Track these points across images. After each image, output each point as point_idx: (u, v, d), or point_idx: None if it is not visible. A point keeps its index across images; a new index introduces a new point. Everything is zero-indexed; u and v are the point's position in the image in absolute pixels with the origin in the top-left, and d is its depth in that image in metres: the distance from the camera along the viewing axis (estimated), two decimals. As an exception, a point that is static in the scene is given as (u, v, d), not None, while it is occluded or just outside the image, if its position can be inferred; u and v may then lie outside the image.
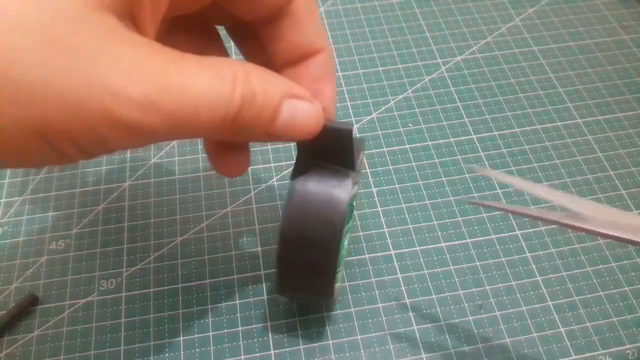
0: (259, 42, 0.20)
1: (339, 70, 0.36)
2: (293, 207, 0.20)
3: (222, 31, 0.23)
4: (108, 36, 0.13)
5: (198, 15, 0.19)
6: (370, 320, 0.26)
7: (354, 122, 0.18)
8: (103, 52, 0.12)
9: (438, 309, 0.26)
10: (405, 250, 0.28)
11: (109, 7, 0.13)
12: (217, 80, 0.14)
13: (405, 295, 0.27)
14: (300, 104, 0.17)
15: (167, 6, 0.16)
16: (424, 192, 0.30)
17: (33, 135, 0.12)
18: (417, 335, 0.25)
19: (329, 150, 0.20)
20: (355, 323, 0.26)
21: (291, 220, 0.20)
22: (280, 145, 0.32)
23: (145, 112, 0.13)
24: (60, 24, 0.12)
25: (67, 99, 0.12)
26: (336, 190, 0.20)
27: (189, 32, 0.20)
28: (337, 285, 0.24)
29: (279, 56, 0.19)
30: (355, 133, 0.18)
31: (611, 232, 0.18)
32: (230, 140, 0.18)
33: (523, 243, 0.28)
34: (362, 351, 0.25)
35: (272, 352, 0.25)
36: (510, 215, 0.29)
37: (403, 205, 0.30)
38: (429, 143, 0.33)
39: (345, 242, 0.26)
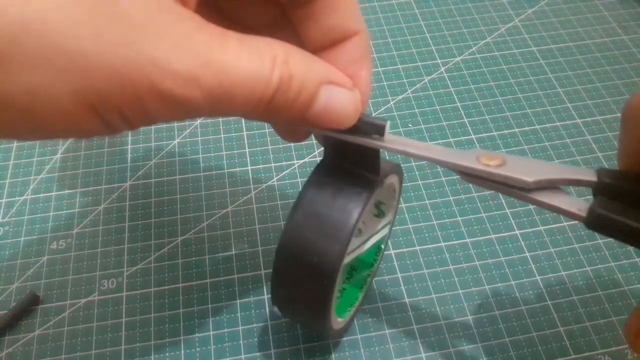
0: (289, 30, 0.19)
1: (338, 70, 0.36)
2: (295, 219, 0.19)
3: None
4: (156, 9, 0.13)
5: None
6: (369, 320, 0.26)
7: (387, 121, 0.17)
8: (152, 25, 0.13)
9: (437, 309, 0.26)
10: (404, 249, 0.28)
11: None
12: (256, 61, 0.14)
13: (405, 294, 0.27)
14: (338, 92, 0.16)
15: None
16: (424, 192, 0.30)
17: (83, 105, 0.13)
18: (417, 335, 0.25)
19: (356, 151, 0.19)
20: (355, 322, 0.26)
21: (290, 233, 0.19)
22: (281, 145, 0.32)
23: (188, 86, 0.13)
24: None
25: (117, 71, 0.12)
26: (349, 205, 0.19)
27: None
28: (341, 318, 0.23)
29: (312, 41, 0.18)
30: (387, 131, 0.17)
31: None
32: (264, 121, 0.17)
33: (522, 243, 0.28)
34: (361, 350, 0.25)
35: (272, 351, 0.25)
36: (510, 216, 0.29)
37: (403, 205, 0.30)
38: (429, 143, 0.33)
39: (367, 275, 0.26)
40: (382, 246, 0.26)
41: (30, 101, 0.12)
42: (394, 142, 0.18)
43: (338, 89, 0.16)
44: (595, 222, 0.15)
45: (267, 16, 0.19)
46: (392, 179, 0.23)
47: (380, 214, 0.26)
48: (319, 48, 0.18)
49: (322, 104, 0.16)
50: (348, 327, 0.25)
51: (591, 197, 0.17)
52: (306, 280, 0.19)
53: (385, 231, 0.26)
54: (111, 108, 0.13)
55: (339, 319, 0.23)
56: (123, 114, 0.13)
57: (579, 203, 0.16)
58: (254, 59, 0.14)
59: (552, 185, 0.16)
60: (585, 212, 0.16)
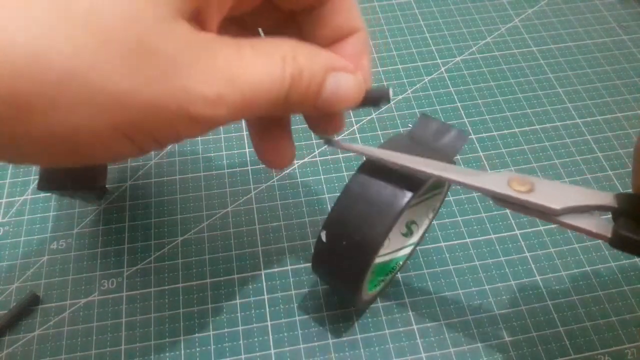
0: (294, 28, 0.20)
1: (338, 70, 0.36)
2: (347, 197, 0.21)
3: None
4: (184, 41, 0.14)
5: (238, 19, 0.20)
6: (370, 320, 0.26)
7: (389, 88, 0.19)
8: (181, 57, 0.14)
9: (437, 309, 0.26)
10: (404, 250, 0.28)
11: (180, 10, 0.14)
12: (270, 65, 0.15)
13: (405, 294, 0.27)
14: (343, 76, 0.17)
15: (230, 6, 0.17)
16: (424, 192, 0.30)
17: (120, 136, 0.14)
18: (417, 335, 0.25)
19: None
20: (355, 322, 0.26)
21: (345, 202, 0.21)
22: (281, 146, 0.32)
23: (216, 106, 0.14)
24: (144, 32, 0.13)
25: (152, 104, 0.13)
26: (399, 194, 0.20)
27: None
28: (373, 291, 0.25)
29: (317, 40, 0.19)
30: (392, 95, 0.19)
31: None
32: (279, 115, 0.19)
33: (522, 243, 0.28)
34: (361, 350, 0.25)
35: (272, 351, 0.25)
36: (510, 216, 0.29)
37: (403, 205, 0.30)
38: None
39: (402, 254, 0.27)
40: (401, 262, 0.27)
41: (73, 136, 0.13)
42: (430, 166, 0.20)
43: (343, 75, 0.17)
44: (618, 242, 0.17)
45: (275, 20, 0.20)
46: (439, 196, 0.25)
47: (408, 234, 0.27)
48: (323, 45, 0.19)
49: (330, 90, 0.17)
50: (372, 302, 0.26)
51: (609, 215, 0.19)
52: (348, 254, 0.21)
53: (407, 251, 0.26)
54: (145, 135, 0.14)
55: (370, 292, 0.25)
56: (155, 138, 0.14)
57: (602, 225, 0.18)
58: (267, 63, 0.15)
59: (577, 210, 0.18)
60: (610, 233, 0.17)
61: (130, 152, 0.15)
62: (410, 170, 0.20)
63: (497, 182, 0.19)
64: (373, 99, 0.19)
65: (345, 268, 0.21)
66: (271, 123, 0.20)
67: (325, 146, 0.30)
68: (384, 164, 0.20)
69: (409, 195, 0.20)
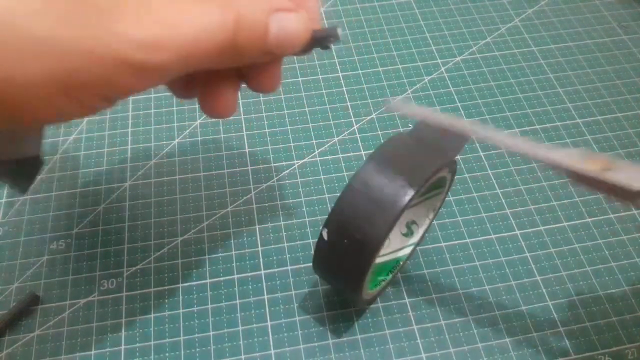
0: None
1: (339, 70, 0.36)
2: (349, 194, 0.21)
3: None
4: None
5: None
6: (370, 320, 0.26)
7: (340, 31, 0.19)
8: (112, 3, 0.13)
9: (437, 309, 0.26)
10: (405, 250, 0.28)
11: None
12: (209, 12, 0.15)
13: (405, 295, 0.27)
14: (286, 16, 0.17)
15: None
16: (424, 192, 0.30)
17: (58, 88, 0.13)
18: (417, 335, 0.25)
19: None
20: (355, 323, 0.26)
21: (340, 208, 0.21)
22: (281, 145, 0.32)
23: (155, 52, 0.14)
24: None
25: (86, 51, 0.13)
26: (401, 192, 0.20)
27: None
28: (373, 290, 0.25)
29: None
30: (341, 34, 0.19)
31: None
32: (229, 65, 0.18)
33: (522, 243, 0.28)
34: (361, 350, 0.25)
35: (272, 351, 0.25)
36: (510, 216, 0.29)
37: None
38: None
39: (404, 253, 0.27)
40: (401, 262, 0.26)
41: (5, 88, 0.13)
42: (504, 139, 0.19)
43: (286, 14, 0.17)
44: None
45: None
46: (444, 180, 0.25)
47: (408, 234, 0.27)
48: None
49: (275, 31, 0.17)
50: (372, 302, 0.26)
51: None
52: (349, 252, 0.21)
53: (407, 251, 0.26)
54: (85, 88, 0.14)
55: (370, 290, 0.25)
56: (96, 91, 0.14)
57: None
58: (206, 11, 0.15)
59: None
60: None
61: (71, 109, 0.14)
62: (480, 136, 0.19)
63: (574, 157, 0.18)
64: (321, 39, 0.19)
65: (346, 266, 0.21)
66: (222, 78, 0.20)
67: (326, 146, 0.30)
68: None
69: (410, 193, 0.20)
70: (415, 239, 0.27)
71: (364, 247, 0.20)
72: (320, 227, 0.21)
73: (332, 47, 0.19)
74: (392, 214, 0.20)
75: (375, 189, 0.20)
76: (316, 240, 0.22)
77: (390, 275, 0.26)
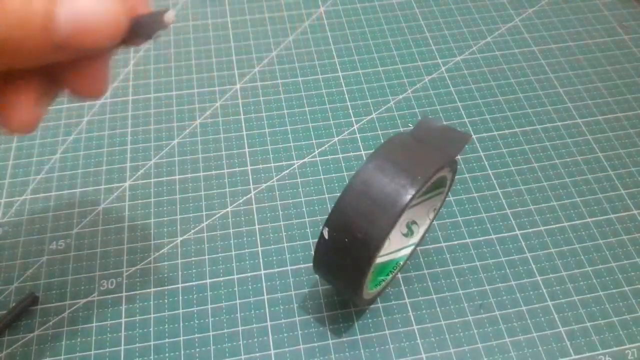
0: None
1: (339, 70, 0.36)
2: (349, 194, 0.20)
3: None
4: None
5: None
6: (370, 320, 0.26)
7: (170, 15, 0.15)
8: None
9: (438, 309, 0.26)
10: (405, 250, 0.28)
11: None
12: None
13: (405, 295, 0.27)
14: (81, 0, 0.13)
15: None
16: (424, 192, 0.30)
17: None
18: (417, 335, 0.25)
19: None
20: (355, 323, 0.26)
21: (345, 200, 0.20)
22: (281, 145, 0.32)
23: None
24: None
25: None
26: (402, 191, 0.20)
27: None
28: (373, 290, 0.25)
29: None
30: (171, 18, 0.15)
31: None
32: (22, 67, 0.15)
33: (523, 243, 0.28)
34: (361, 351, 0.25)
35: (272, 352, 0.25)
36: (510, 216, 0.29)
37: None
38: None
39: (402, 254, 0.27)
40: (401, 262, 0.26)
41: None
42: None
43: None
44: None
45: None
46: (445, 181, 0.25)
47: (408, 234, 0.27)
48: None
49: (65, 18, 0.13)
50: (371, 302, 0.26)
51: None
52: (350, 251, 0.21)
53: (408, 251, 0.26)
54: None
55: (371, 290, 0.25)
56: None
57: None
58: None
59: None
60: None
61: None
62: None
63: None
64: (143, 26, 0.15)
65: (347, 265, 0.21)
66: (18, 82, 0.16)
67: (326, 146, 0.30)
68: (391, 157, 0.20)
69: (411, 192, 0.20)
70: (415, 239, 0.27)
71: (365, 246, 0.20)
72: (321, 227, 0.21)
73: (163, 34, 0.15)
74: (393, 213, 0.20)
75: (376, 188, 0.20)
76: (316, 240, 0.22)
77: (391, 276, 0.26)
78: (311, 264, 0.26)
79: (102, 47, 0.14)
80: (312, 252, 0.22)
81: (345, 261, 0.21)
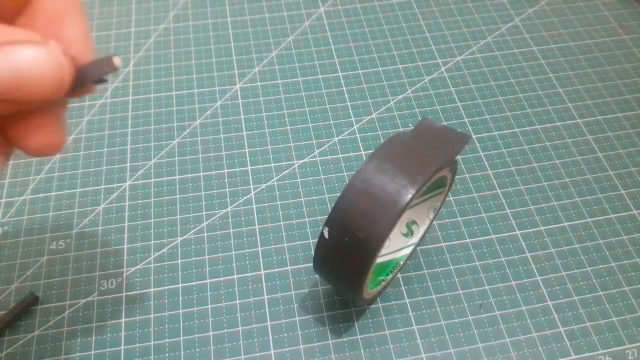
0: None
1: (339, 70, 0.36)
2: (350, 193, 0.21)
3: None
4: None
5: None
6: (370, 320, 0.26)
7: (118, 61, 0.15)
8: None
9: (438, 309, 0.26)
10: (405, 250, 0.28)
11: None
12: None
13: (405, 295, 0.27)
14: (21, 50, 0.13)
15: None
16: (424, 192, 0.30)
17: None
18: (417, 335, 0.25)
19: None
20: (355, 323, 0.26)
21: (342, 207, 0.20)
22: (281, 145, 0.32)
23: None
24: None
25: None
26: (402, 190, 0.20)
27: None
28: (373, 290, 0.25)
29: None
30: (119, 63, 0.15)
31: None
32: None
33: (523, 243, 0.28)
34: (362, 351, 0.25)
35: (272, 352, 0.25)
36: (510, 216, 0.29)
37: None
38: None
39: (402, 255, 0.27)
40: (401, 262, 0.26)
41: None
42: None
43: (19, 48, 0.13)
44: None
45: None
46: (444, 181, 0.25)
47: (408, 234, 0.27)
48: (10, 12, 0.15)
49: (1, 72, 0.13)
50: (372, 302, 0.26)
51: None
52: (350, 251, 0.21)
53: (408, 251, 0.26)
54: None
55: (371, 290, 0.25)
56: None
57: None
58: None
59: None
60: None
61: None
62: None
63: None
64: (92, 73, 0.15)
65: (347, 264, 0.21)
66: None
67: (326, 146, 0.30)
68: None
69: (412, 191, 0.20)
70: (415, 239, 0.27)
71: (365, 245, 0.20)
72: (321, 227, 0.21)
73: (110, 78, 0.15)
74: (394, 212, 0.20)
75: (377, 188, 0.20)
76: (316, 240, 0.22)
77: (391, 275, 0.26)
78: (311, 264, 0.26)
79: (47, 99, 0.14)
80: (312, 252, 0.22)
81: (346, 261, 0.21)
